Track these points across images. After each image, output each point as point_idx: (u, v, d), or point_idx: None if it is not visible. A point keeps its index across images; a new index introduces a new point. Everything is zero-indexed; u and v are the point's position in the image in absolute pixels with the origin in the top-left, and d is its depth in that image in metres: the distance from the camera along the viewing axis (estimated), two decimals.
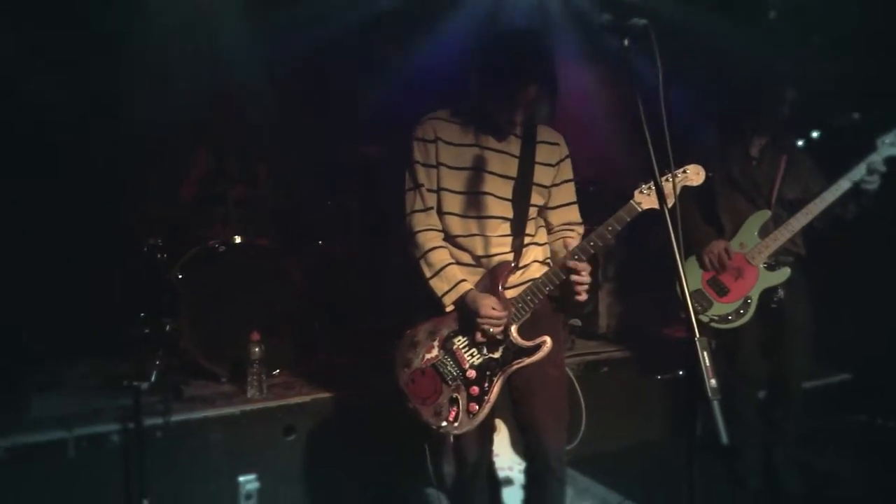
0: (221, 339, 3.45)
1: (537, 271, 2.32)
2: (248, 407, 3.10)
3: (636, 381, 4.08)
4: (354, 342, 4.17)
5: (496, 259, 2.28)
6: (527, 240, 2.31)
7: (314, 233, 4.43)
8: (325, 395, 3.28)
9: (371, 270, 4.41)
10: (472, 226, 2.29)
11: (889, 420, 4.12)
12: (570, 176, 2.42)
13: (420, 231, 2.27)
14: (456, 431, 2.22)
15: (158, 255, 3.93)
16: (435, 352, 2.26)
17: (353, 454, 3.21)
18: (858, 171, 2.90)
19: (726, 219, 3.19)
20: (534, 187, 2.31)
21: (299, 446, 3.15)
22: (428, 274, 2.24)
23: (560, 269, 2.16)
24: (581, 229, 2.43)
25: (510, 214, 2.29)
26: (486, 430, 2.47)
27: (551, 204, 2.39)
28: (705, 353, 1.37)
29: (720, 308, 3.12)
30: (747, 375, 3.30)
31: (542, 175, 2.33)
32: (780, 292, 3.10)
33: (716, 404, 1.35)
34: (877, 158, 2.87)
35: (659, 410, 4.11)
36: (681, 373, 1.44)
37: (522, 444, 2.43)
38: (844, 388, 4.44)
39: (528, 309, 2.20)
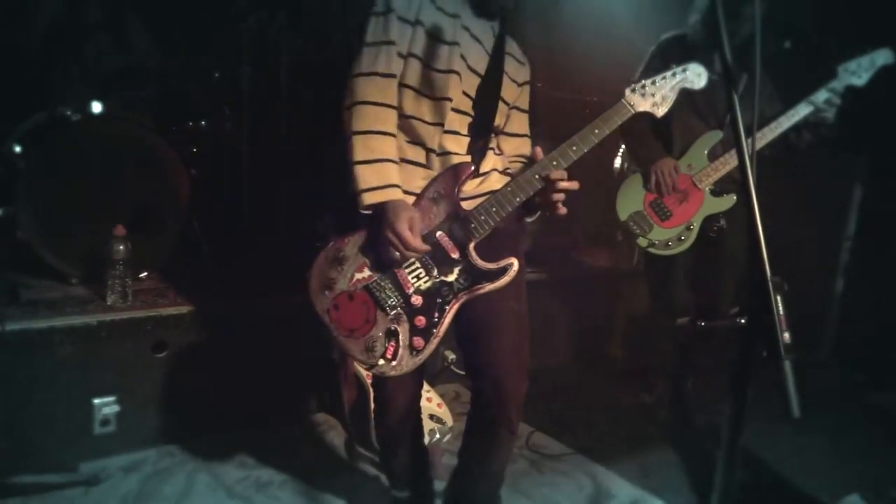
0: (73, 232, 2.81)
1: (497, 182, 1.91)
2: (107, 316, 2.56)
3: (542, 306, 3.89)
4: (244, 246, 3.56)
5: (450, 158, 1.84)
6: (488, 143, 1.91)
7: (197, 109, 3.68)
8: (205, 306, 2.78)
9: (268, 160, 3.73)
10: (428, 109, 1.82)
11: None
12: (527, 107, 2.07)
13: (370, 103, 1.74)
14: (394, 372, 1.76)
15: None
16: (368, 271, 1.79)
17: (233, 376, 2.80)
18: (818, 97, 2.76)
19: (677, 135, 2.93)
20: (500, 101, 1.93)
21: (170, 365, 2.68)
22: (359, 157, 1.71)
23: (536, 176, 1.75)
24: None
25: (471, 112, 1.88)
26: (420, 370, 1.95)
27: (508, 129, 2.02)
28: (779, 298, 1.04)
29: (661, 233, 2.90)
30: (672, 305, 3.16)
31: (507, 90, 1.94)
32: (722, 221, 2.92)
33: (788, 365, 1.03)
34: (836, 85, 2.75)
35: (561, 336, 4.02)
36: (741, 321, 1.09)
37: (473, 388, 2.04)
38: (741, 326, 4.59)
39: (490, 224, 1.77)
